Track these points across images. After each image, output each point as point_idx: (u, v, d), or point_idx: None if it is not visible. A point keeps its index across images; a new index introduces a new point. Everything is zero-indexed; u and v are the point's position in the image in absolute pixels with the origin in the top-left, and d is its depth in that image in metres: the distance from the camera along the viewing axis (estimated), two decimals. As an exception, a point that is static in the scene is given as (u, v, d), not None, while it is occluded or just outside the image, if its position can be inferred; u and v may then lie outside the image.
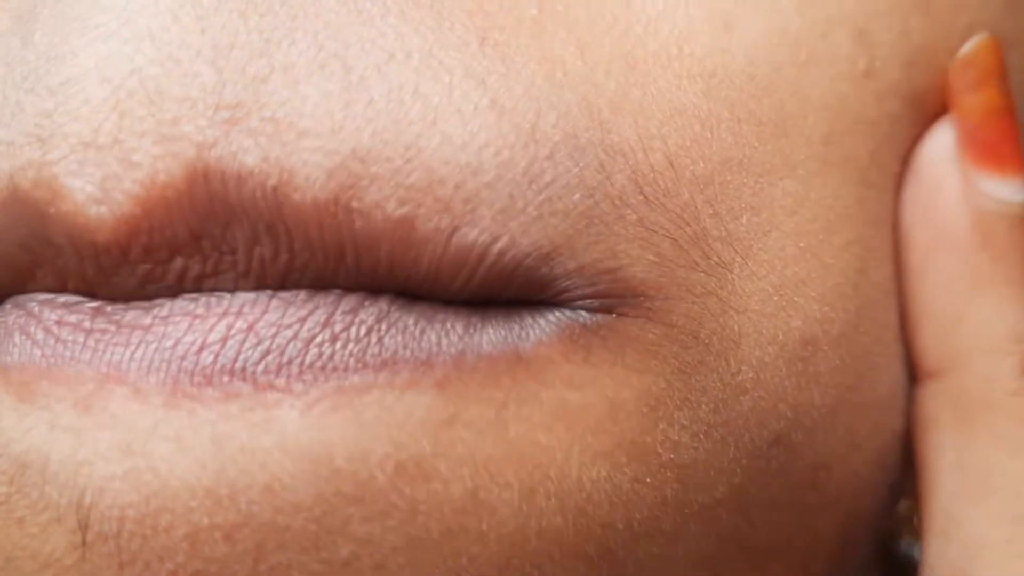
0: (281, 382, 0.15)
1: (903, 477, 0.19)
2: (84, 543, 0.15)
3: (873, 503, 0.19)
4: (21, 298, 0.16)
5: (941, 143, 0.18)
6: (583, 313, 0.15)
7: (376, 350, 0.15)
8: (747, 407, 0.16)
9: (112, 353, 0.15)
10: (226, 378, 0.15)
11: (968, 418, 0.18)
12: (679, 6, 0.16)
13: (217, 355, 0.15)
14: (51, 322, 0.16)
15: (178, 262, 0.15)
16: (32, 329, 0.16)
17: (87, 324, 0.15)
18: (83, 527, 0.15)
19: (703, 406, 0.16)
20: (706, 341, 0.16)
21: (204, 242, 0.15)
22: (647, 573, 0.16)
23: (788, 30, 0.16)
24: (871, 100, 0.17)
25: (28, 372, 0.15)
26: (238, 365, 0.15)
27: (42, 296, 0.16)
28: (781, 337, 0.16)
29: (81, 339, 0.15)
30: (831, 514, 0.18)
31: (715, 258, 0.16)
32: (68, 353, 0.15)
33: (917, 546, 0.23)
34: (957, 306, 0.18)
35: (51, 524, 0.15)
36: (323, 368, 0.15)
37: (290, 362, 0.15)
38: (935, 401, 0.18)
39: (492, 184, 0.15)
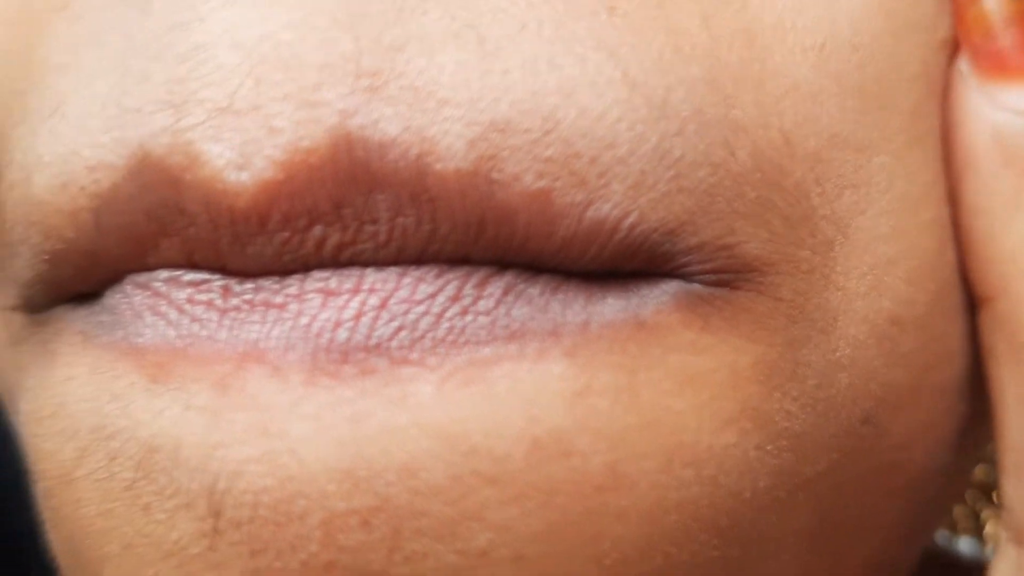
0: (415, 356, 0.15)
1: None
2: (215, 531, 0.15)
3: (945, 486, 0.19)
4: (143, 276, 0.16)
5: (957, 68, 0.18)
6: (698, 285, 0.15)
7: (505, 322, 0.15)
8: (844, 384, 0.16)
9: (249, 331, 0.15)
10: (362, 355, 0.15)
11: (1020, 345, 0.18)
12: None
13: (352, 332, 0.15)
14: (182, 300, 0.15)
15: (317, 231, 0.15)
16: (163, 308, 0.15)
17: (219, 303, 0.15)
18: (215, 514, 0.15)
19: (809, 380, 0.16)
20: (811, 316, 0.16)
21: (345, 211, 0.15)
22: (763, 548, 0.16)
23: None
24: (944, 71, 0.17)
25: (163, 353, 0.15)
26: (372, 342, 0.15)
27: (165, 274, 0.16)
28: (872, 316, 0.16)
29: (216, 318, 0.15)
30: (908, 496, 0.18)
31: (820, 236, 0.16)
32: (204, 332, 0.15)
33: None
34: (993, 229, 0.17)
35: (179, 511, 0.15)
36: (454, 342, 0.15)
37: (423, 336, 0.15)
38: (990, 331, 0.18)
39: (625, 159, 0.15)
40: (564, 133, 0.14)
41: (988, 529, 0.22)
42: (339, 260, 0.15)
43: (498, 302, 0.15)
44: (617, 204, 0.14)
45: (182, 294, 0.15)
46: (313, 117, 0.14)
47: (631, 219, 0.15)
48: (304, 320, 0.15)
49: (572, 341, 0.15)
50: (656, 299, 0.15)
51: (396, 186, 0.14)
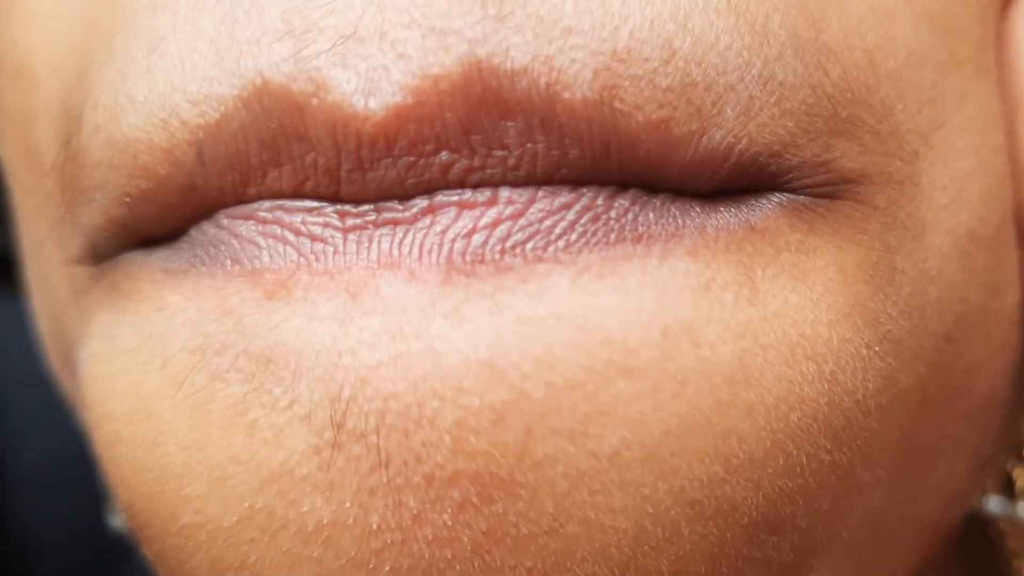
0: (550, 254, 0.15)
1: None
2: (334, 444, 0.15)
3: (1002, 423, 0.20)
4: (244, 208, 0.16)
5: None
6: (802, 196, 0.16)
7: (632, 226, 0.15)
8: (932, 296, 0.17)
9: (381, 243, 0.15)
10: (498, 256, 0.15)
11: None
12: None
13: (488, 236, 0.15)
14: (297, 223, 0.15)
15: (444, 156, 0.15)
16: (278, 232, 0.15)
17: (338, 223, 0.15)
18: (336, 425, 0.15)
19: (905, 287, 0.17)
20: (904, 224, 0.17)
21: (474, 137, 0.15)
22: (865, 457, 0.17)
23: None
24: (1001, 11, 0.18)
25: (284, 271, 0.15)
26: (509, 244, 0.15)
27: (268, 203, 0.16)
28: (955, 228, 0.17)
29: (339, 236, 0.15)
30: (973, 424, 0.19)
31: (907, 148, 0.17)
32: (330, 248, 0.15)
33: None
34: None
35: (292, 425, 0.15)
36: (587, 243, 0.15)
37: (558, 239, 0.15)
38: None
39: (734, 86, 0.15)
40: (681, 62, 0.15)
41: (1020, 484, 0.23)
42: (465, 184, 0.15)
43: (626, 210, 0.15)
44: (729, 131, 0.15)
45: (295, 218, 0.15)
46: (442, 44, 0.15)
47: (741, 145, 0.15)
48: (438, 228, 0.15)
49: (692, 242, 0.15)
50: (764, 208, 0.16)
51: (527, 113, 0.15)
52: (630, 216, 0.15)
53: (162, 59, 0.16)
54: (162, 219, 0.17)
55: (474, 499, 0.15)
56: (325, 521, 0.15)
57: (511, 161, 0.15)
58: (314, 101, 0.15)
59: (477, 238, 0.15)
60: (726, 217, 0.16)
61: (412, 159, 0.15)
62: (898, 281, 0.17)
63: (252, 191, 0.16)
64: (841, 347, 0.16)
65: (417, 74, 0.15)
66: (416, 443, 0.14)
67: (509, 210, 0.15)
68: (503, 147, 0.15)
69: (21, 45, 0.19)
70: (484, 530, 0.15)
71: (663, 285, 0.15)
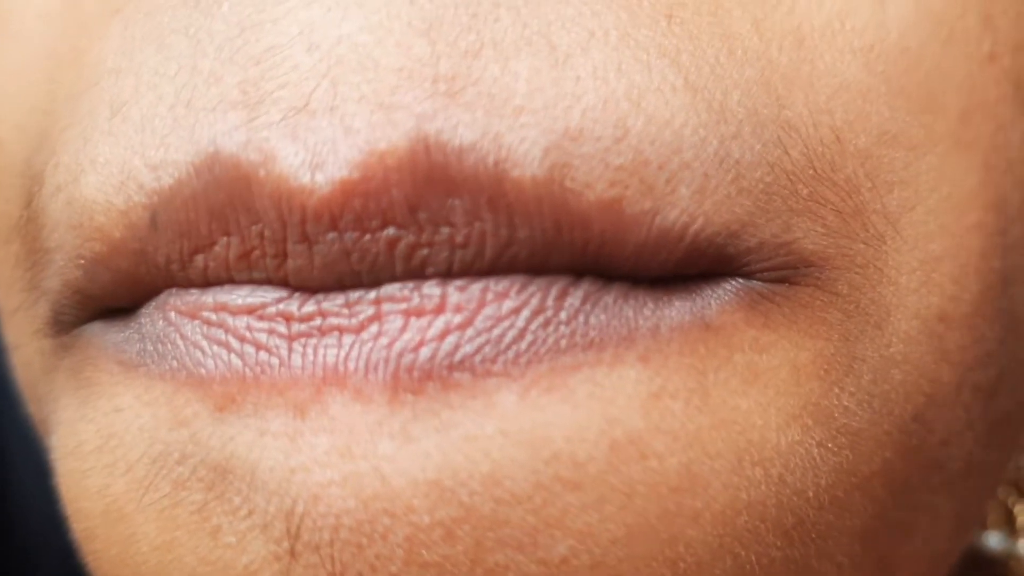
0: (498, 368, 0.15)
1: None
2: (292, 553, 0.15)
3: (983, 484, 0.20)
4: (189, 297, 0.16)
5: None
6: (758, 283, 0.16)
7: (584, 330, 0.15)
8: (897, 380, 0.17)
9: (326, 355, 0.15)
10: (446, 372, 0.15)
11: None
12: None
13: (435, 351, 0.15)
14: (241, 328, 0.15)
15: (390, 232, 0.15)
16: (223, 337, 0.15)
17: (282, 329, 0.15)
18: (292, 536, 0.15)
19: (864, 375, 0.16)
20: (865, 311, 0.16)
21: (420, 214, 0.15)
22: (821, 547, 0.16)
23: (933, 9, 0.17)
24: (991, 83, 0.18)
25: (230, 383, 0.15)
26: (457, 358, 0.15)
27: (212, 297, 0.16)
28: (923, 312, 0.17)
29: (284, 344, 0.15)
30: (951, 493, 0.19)
31: (872, 230, 0.16)
32: (275, 360, 0.15)
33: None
34: None
35: (253, 532, 0.15)
36: (536, 352, 0.15)
37: (507, 349, 0.15)
38: None
39: (689, 164, 0.15)
40: (634, 141, 0.15)
41: (1021, 522, 0.23)
42: (409, 267, 0.15)
43: (577, 311, 0.15)
44: (684, 210, 0.15)
45: (239, 322, 0.15)
46: (391, 120, 0.14)
47: (697, 225, 0.15)
48: (384, 340, 0.15)
49: (645, 346, 0.15)
50: (719, 299, 0.15)
51: (474, 191, 0.14)
52: (580, 319, 0.15)
53: (123, 123, 0.16)
54: (115, 287, 0.17)
55: None
56: None
57: (459, 239, 0.15)
58: (261, 172, 0.15)
59: (424, 352, 0.15)
60: (680, 312, 0.15)
61: (357, 234, 0.15)
62: (857, 370, 0.16)
63: (199, 260, 0.16)
64: (790, 449, 0.16)
65: (363, 148, 0.14)
66: (370, 555, 0.15)
67: (457, 319, 0.15)
68: (450, 224, 0.15)
69: None
70: None
71: (612, 396, 0.15)
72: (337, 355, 0.15)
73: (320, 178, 0.14)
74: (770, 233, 0.15)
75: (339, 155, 0.14)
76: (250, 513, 0.15)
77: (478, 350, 0.15)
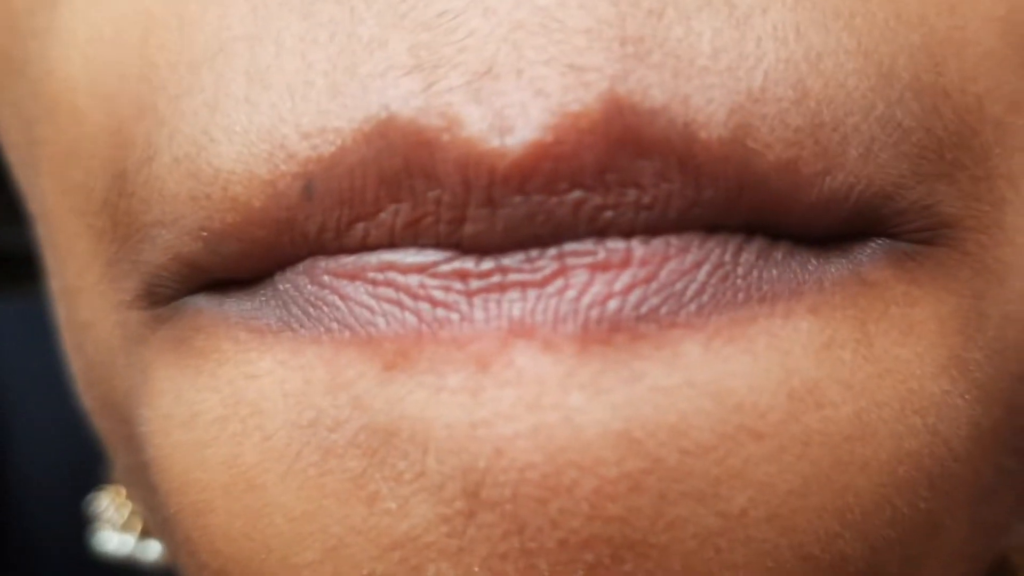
0: (683, 319, 0.15)
1: None
2: (468, 513, 0.15)
3: None
4: (345, 261, 0.15)
5: None
6: (902, 243, 0.16)
7: (758, 284, 0.15)
8: (1012, 339, 0.17)
9: (512, 309, 0.15)
10: (633, 323, 0.15)
11: None
12: None
13: (623, 303, 0.15)
14: (415, 286, 0.15)
15: (576, 195, 0.15)
16: (396, 295, 0.15)
17: (460, 286, 0.15)
18: (470, 494, 0.14)
19: (989, 331, 0.17)
20: (990, 269, 0.17)
21: (609, 175, 0.15)
22: (953, 501, 0.17)
23: None
24: None
25: (406, 340, 0.15)
26: (643, 309, 0.15)
27: (375, 258, 0.15)
28: None
29: (464, 300, 0.15)
30: (1020, 456, 0.19)
31: (997, 193, 0.17)
32: (454, 315, 0.15)
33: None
34: None
35: (419, 495, 0.15)
36: (716, 305, 0.15)
37: (689, 302, 0.15)
38: None
39: (859, 126, 0.15)
40: (812, 103, 0.15)
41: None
42: (593, 228, 0.15)
43: (752, 267, 0.15)
44: (851, 171, 0.15)
45: (411, 280, 0.15)
46: (582, 81, 0.14)
47: (861, 186, 0.15)
48: (572, 294, 0.15)
49: (812, 299, 0.15)
50: (869, 257, 0.16)
51: (664, 153, 0.14)
52: (755, 273, 0.15)
53: (266, 91, 0.15)
54: (241, 258, 0.16)
55: (606, 560, 0.15)
56: None
57: (645, 200, 0.15)
58: (445, 137, 0.14)
59: (611, 304, 0.15)
60: (839, 268, 0.16)
61: (544, 197, 0.15)
62: (984, 326, 0.17)
63: (359, 229, 0.15)
64: (942, 399, 0.16)
65: (556, 111, 0.14)
66: (553, 510, 0.14)
67: (642, 273, 0.15)
68: (638, 186, 0.15)
69: (59, 74, 0.18)
70: None
71: (788, 347, 0.15)
72: (523, 308, 0.15)
73: (511, 141, 0.14)
74: (918, 196, 0.16)
75: (530, 118, 0.14)
76: (418, 476, 0.15)
77: (663, 302, 0.15)
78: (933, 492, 0.16)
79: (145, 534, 0.33)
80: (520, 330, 0.15)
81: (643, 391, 0.14)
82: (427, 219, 0.15)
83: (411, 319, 0.15)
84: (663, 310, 0.15)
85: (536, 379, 0.14)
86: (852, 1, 0.15)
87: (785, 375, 0.15)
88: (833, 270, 0.15)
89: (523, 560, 0.15)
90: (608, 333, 0.14)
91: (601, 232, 0.15)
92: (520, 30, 0.15)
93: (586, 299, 0.15)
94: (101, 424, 0.22)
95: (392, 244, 0.15)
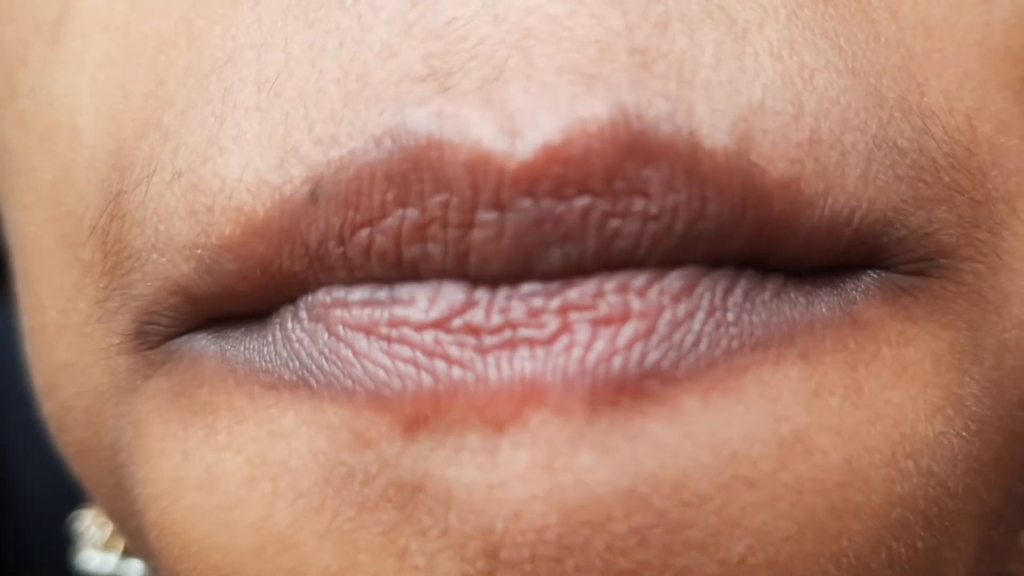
0: (682, 373, 0.15)
1: None
2: (489, 572, 0.15)
3: None
4: (359, 313, 0.15)
5: None
6: (896, 275, 0.16)
7: (749, 330, 0.15)
8: (1010, 366, 0.17)
9: (523, 367, 0.15)
10: (637, 380, 0.15)
11: None
12: None
13: (627, 360, 0.15)
14: (430, 343, 0.15)
15: (584, 201, 0.15)
16: (411, 354, 0.15)
17: (473, 342, 0.15)
18: (490, 555, 0.15)
19: (986, 361, 0.17)
20: (986, 297, 0.17)
21: (617, 183, 0.15)
22: (954, 535, 0.17)
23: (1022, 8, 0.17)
24: None
25: (423, 402, 0.15)
26: (646, 367, 0.15)
27: (389, 312, 0.15)
28: None
29: (479, 359, 0.15)
30: None
31: (996, 217, 0.17)
32: (470, 375, 0.15)
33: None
34: None
35: (444, 553, 0.15)
36: (712, 356, 0.15)
37: (687, 354, 0.15)
38: None
39: (855, 145, 0.15)
40: (809, 119, 0.15)
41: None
42: (602, 234, 0.15)
43: (741, 309, 0.15)
44: (852, 194, 0.15)
45: (427, 336, 0.15)
46: (591, 90, 0.14)
47: (862, 210, 0.15)
48: (577, 353, 0.15)
49: (803, 343, 0.15)
50: (863, 293, 0.16)
51: (671, 160, 0.15)
52: (745, 317, 0.15)
53: (277, 98, 0.16)
54: (239, 280, 0.16)
55: None
56: None
57: (652, 210, 0.15)
58: (456, 140, 0.15)
59: (616, 362, 0.15)
60: (830, 307, 0.16)
61: (552, 201, 0.15)
62: (980, 357, 0.17)
63: (363, 235, 0.15)
64: (936, 441, 0.16)
65: (566, 116, 0.14)
66: (569, 567, 0.15)
67: (642, 326, 0.15)
68: (645, 195, 0.15)
69: (63, 102, 0.18)
70: None
71: (777, 394, 0.15)
72: (534, 368, 0.15)
73: (520, 144, 0.14)
74: (916, 224, 0.16)
75: (539, 122, 0.14)
76: (443, 533, 0.15)
77: (663, 356, 0.15)
78: (930, 531, 0.16)
79: (127, 553, 0.33)
80: (532, 393, 0.15)
81: (646, 448, 0.15)
82: (434, 225, 0.15)
83: (427, 379, 0.15)
84: (664, 364, 0.15)
85: (548, 441, 0.15)
86: (836, 22, 0.16)
87: (775, 423, 0.15)
88: (824, 310, 0.15)
89: None
90: (615, 395, 0.15)
91: (608, 246, 0.15)
92: (530, 38, 0.15)
93: (591, 357, 0.15)
94: (80, 469, 0.21)
95: (397, 255, 0.15)
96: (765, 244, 0.15)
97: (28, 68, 0.19)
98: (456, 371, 0.15)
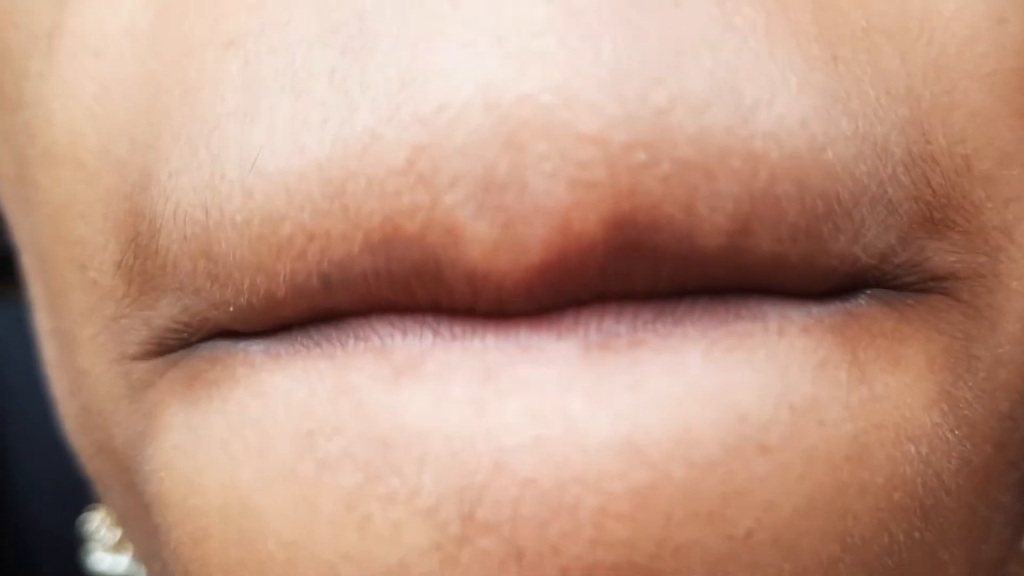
0: (679, 330, 0.15)
1: None
2: (461, 537, 0.14)
3: None
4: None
5: None
6: (891, 292, 0.16)
7: (748, 308, 0.15)
8: (1002, 379, 0.18)
9: (520, 329, 0.15)
10: (631, 330, 0.15)
11: None
12: (967, 5, 0.17)
13: (619, 317, 0.15)
14: (427, 323, 0.15)
15: (580, 296, 0.15)
16: (411, 326, 0.15)
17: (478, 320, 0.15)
18: (465, 516, 0.14)
19: (980, 372, 0.17)
20: (982, 313, 0.17)
21: (607, 274, 0.15)
22: (946, 536, 0.17)
23: None
24: None
25: (416, 349, 0.15)
26: (640, 321, 0.15)
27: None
28: None
29: (479, 324, 0.15)
30: (1017, 491, 0.20)
31: (992, 243, 0.17)
32: (468, 329, 0.15)
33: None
34: None
35: (412, 519, 0.14)
36: (712, 318, 0.15)
37: (684, 318, 0.15)
38: None
39: (850, 212, 0.15)
40: (809, 198, 0.15)
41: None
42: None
43: (743, 296, 0.15)
44: (838, 253, 0.15)
45: (427, 328, 0.15)
46: (587, 198, 0.14)
47: (847, 263, 0.15)
48: (570, 318, 0.15)
49: (803, 322, 0.15)
50: (859, 299, 0.16)
51: (661, 259, 0.14)
52: (745, 301, 0.15)
53: (260, 179, 0.15)
54: (271, 321, 0.16)
55: None
56: None
57: (637, 286, 0.15)
58: (451, 253, 0.14)
59: (609, 320, 0.15)
60: (826, 305, 0.16)
61: (548, 305, 0.15)
62: (974, 367, 0.17)
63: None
64: (933, 431, 0.16)
65: (561, 229, 0.14)
66: (554, 533, 0.14)
67: (645, 311, 0.15)
68: (631, 282, 0.15)
69: (61, 126, 0.18)
70: None
71: (786, 361, 0.15)
72: (529, 328, 0.15)
73: (513, 259, 0.14)
74: (908, 256, 0.16)
75: (533, 235, 0.14)
76: (412, 496, 0.14)
77: (659, 316, 0.15)
78: (927, 523, 0.16)
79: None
80: (526, 344, 0.14)
81: (645, 399, 0.14)
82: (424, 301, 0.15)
83: (428, 334, 0.15)
84: (659, 323, 0.15)
85: (537, 387, 0.14)
86: (848, 83, 0.15)
87: (785, 389, 0.15)
88: (822, 307, 0.16)
89: None
90: (607, 338, 0.14)
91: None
92: (523, 131, 0.14)
93: (583, 318, 0.15)
94: (96, 468, 0.21)
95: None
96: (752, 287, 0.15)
97: (29, 79, 0.19)
98: (457, 327, 0.15)
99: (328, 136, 0.14)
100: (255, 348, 0.16)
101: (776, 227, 0.15)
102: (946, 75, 0.16)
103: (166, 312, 0.17)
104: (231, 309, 0.16)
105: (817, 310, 0.15)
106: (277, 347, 0.16)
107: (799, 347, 0.15)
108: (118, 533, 0.33)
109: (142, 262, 0.17)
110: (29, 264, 0.21)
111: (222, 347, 0.16)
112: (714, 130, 0.14)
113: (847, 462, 0.15)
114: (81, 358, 0.19)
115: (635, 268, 0.15)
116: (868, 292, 0.16)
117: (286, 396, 0.15)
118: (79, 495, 0.32)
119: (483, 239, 0.14)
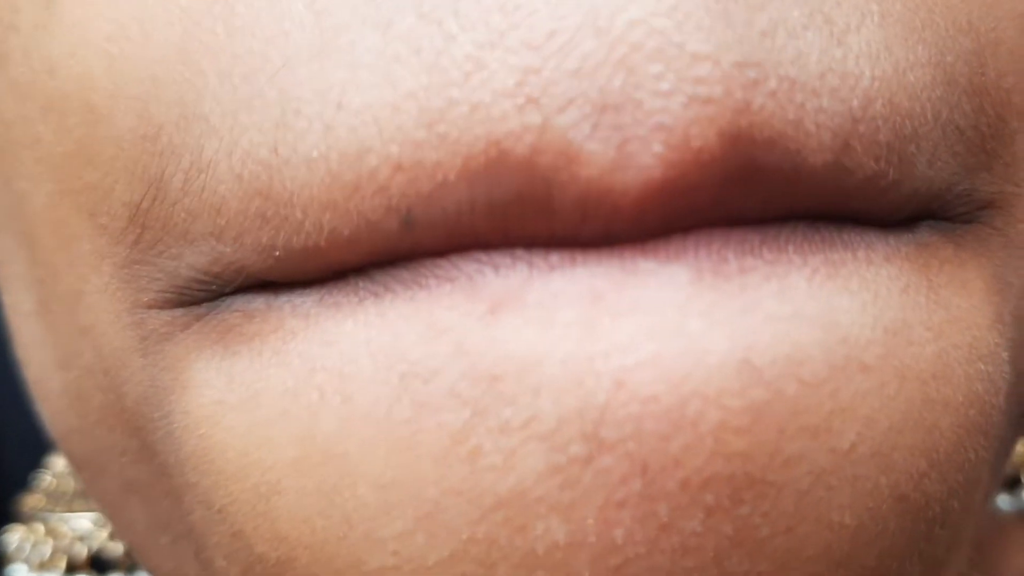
0: (785, 257, 0.15)
1: None
2: (584, 457, 0.14)
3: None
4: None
5: None
6: (945, 223, 0.17)
7: (837, 238, 0.16)
8: None
9: (623, 254, 0.14)
10: (740, 256, 0.15)
11: None
12: None
13: (726, 243, 0.15)
14: (520, 257, 0.15)
15: (688, 222, 0.15)
16: (497, 260, 0.15)
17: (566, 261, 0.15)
18: (586, 437, 0.14)
19: (1012, 299, 0.18)
20: (1014, 242, 0.18)
21: (720, 202, 0.15)
22: (994, 450, 0.18)
23: None
24: None
25: (512, 284, 0.14)
26: (747, 247, 0.15)
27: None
28: None
29: (578, 254, 0.14)
30: (1016, 424, 0.20)
31: (1021, 174, 0.18)
32: (567, 260, 0.14)
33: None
34: None
35: (528, 445, 0.14)
36: (811, 246, 0.15)
37: (787, 243, 0.15)
38: None
39: (929, 135, 0.16)
40: (898, 118, 0.15)
41: None
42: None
43: (828, 230, 0.16)
44: (918, 178, 0.16)
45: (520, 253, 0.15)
46: (703, 114, 0.14)
47: (923, 190, 0.16)
48: (676, 244, 0.15)
49: (884, 251, 0.16)
50: (924, 231, 0.17)
51: (774, 181, 0.15)
52: (831, 232, 0.16)
53: (343, 114, 0.14)
54: (321, 270, 0.15)
55: (725, 503, 0.14)
56: (560, 543, 0.14)
57: (745, 213, 0.15)
58: (564, 175, 0.14)
59: (718, 245, 0.15)
60: (896, 237, 0.16)
61: (660, 226, 0.15)
62: (1010, 294, 0.18)
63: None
64: (995, 351, 0.17)
65: (679, 147, 0.14)
66: (676, 447, 0.14)
67: (741, 229, 0.15)
68: (741, 205, 0.15)
69: (68, 73, 0.17)
70: (730, 535, 0.15)
71: (876, 286, 0.16)
72: (634, 252, 0.14)
73: (632, 177, 0.14)
74: (964, 188, 0.17)
75: (652, 153, 0.14)
76: (527, 422, 0.14)
77: (763, 243, 0.15)
78: (988, 441, 0.17)
79: (71, 570, 0.30)
80: (632, 268, 0.14)
81: (758, 320, 0.14)
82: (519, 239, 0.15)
83: (522, 268, 0.14)
84: (765, 248, 0.15)
85: (652, 308, 0.14)
86: (923, 14, 0.16)
87: (879, 312, 0.15)
88: (892, 239, 0.16)
89: (641, 507, 0.14)
90: (717, 264, 0.15)
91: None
92: (635, 54, 0.14)
93: (690, 243, 0.15)
94: (90, 446, 0.20)
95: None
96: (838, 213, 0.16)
97: (19, 34, 0.18)
98: (554, 258, 0.14)
99: (423, 66, 0.14)
100: (303, 300, 0.15)
101: (872, 146, 0.15)
102: (993, 12, 0.17)
103: (193, 262, 0.16)
104: (277, 254, 0.15)
105: (894, 240, 0.16)
106: (333, 296, 0.15)
107: (884, 274, 0.16)
108: (46, 550, 0.31)
109: (167, 207, 0.16)
110: (14, 240, 0.19)
111: (259, 300, 0.16)
112: (812, 51, 0.15)
113: (933, 380, 0.16)
114: (84, 314, 0.18)
115: (749, 190, 0.15)
116: (926, 224, 0.17)
117: (367, 343, 0.15)
118: None
119: (599, 159, 0.14)
